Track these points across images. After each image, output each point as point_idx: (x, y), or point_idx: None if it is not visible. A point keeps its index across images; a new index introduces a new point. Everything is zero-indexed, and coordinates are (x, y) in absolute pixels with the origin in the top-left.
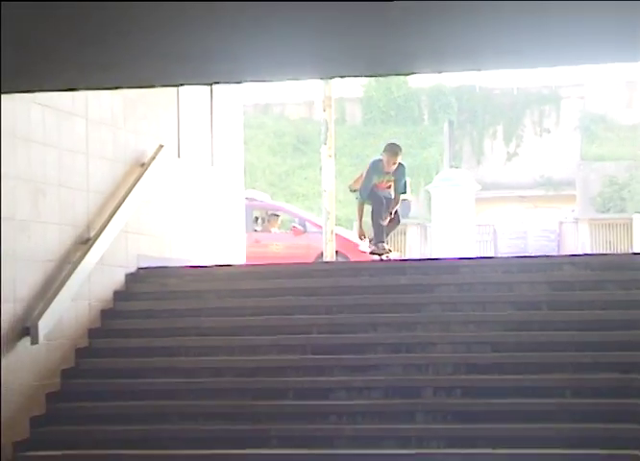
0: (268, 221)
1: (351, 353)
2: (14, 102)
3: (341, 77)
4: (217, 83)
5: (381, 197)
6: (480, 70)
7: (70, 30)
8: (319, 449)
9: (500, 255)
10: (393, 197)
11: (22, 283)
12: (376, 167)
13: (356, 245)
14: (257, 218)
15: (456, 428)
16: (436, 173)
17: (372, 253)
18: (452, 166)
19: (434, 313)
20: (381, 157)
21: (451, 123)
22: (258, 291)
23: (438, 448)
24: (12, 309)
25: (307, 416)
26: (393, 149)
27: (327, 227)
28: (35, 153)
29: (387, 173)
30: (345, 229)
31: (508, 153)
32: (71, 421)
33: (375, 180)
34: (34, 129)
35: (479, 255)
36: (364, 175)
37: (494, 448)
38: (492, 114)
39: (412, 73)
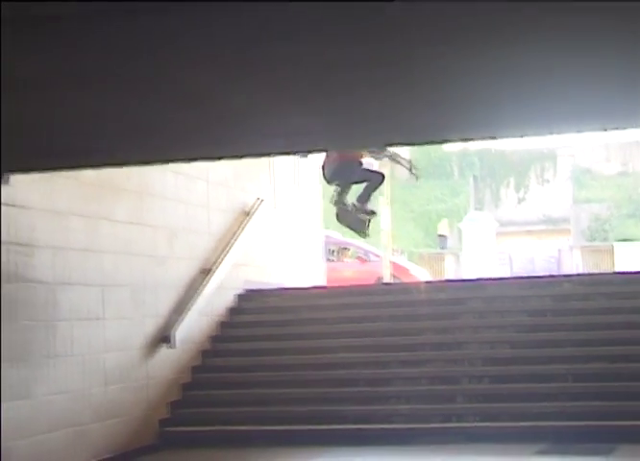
0: (341, 253)
1: (405, 351)
2: (155, 171)
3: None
4: (300, 153)
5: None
6: (497, 138)
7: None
8: (382, 425)
9: (514, 276)
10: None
11: (162, 303)
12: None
13: (408, 270)
14: (332, 251)
15: (486, 407)
16: (465, 214)
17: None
18: (476, 209)
19: (467, 320)
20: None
21: (475, 177)
22: (335, 306)
23: (473, 422)
24: (155, 322)
25: (374, 399)
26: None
27: (384, 256)
28: (169, 207)
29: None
30: (398, 258)
31: (518, 198)
32: (200, 404)
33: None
34: (168, 189)
35: (499, 276)
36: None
37: (515, 421)
38: (505, 169)
39: (444, 142)
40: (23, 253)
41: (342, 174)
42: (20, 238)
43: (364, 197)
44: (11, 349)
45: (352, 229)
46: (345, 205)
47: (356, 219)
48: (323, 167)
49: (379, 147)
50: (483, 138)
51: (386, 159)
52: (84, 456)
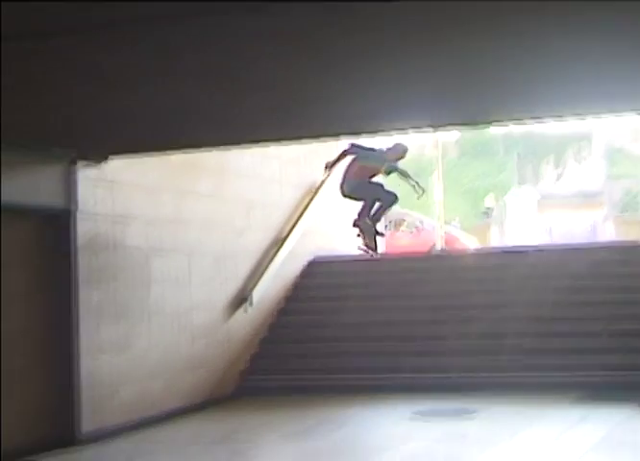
0: (397, 224)
1: (456, 310)
2: (233, 151)
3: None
4: (364, 134)
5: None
6: (540, 120)
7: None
8: (440, 374)
9: (555, 244)
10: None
11: (241, 269)
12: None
13: (458, 239)
14: (390, 222)
15: (529, 360)
16: (509, 189)
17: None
18: (519, 184)
19: (512, 283)
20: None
21: (518, 155)
22: (393, 270)
23: (517, 372)
24: (235, 286)
25: (429, 353)
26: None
27: (437, 226)
28: (246, 182)
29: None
30: (449, 227)
31: (557, 174)
32: (276, 357)
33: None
34: (245, 167)
35: (541, 244)
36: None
37: (555, 372)
38: (545, 149)
39: (493, 124)
40: (121, 223)
41: (359, 190)
42: (118, 211)
43: (377, 217)
44: (114, 307)
45: (367, 244)
46: (368, 219)
47: (372, 235)
48: (342, 184)
49: (398, 155)
50: (528, 120)
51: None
52: (176, 401)
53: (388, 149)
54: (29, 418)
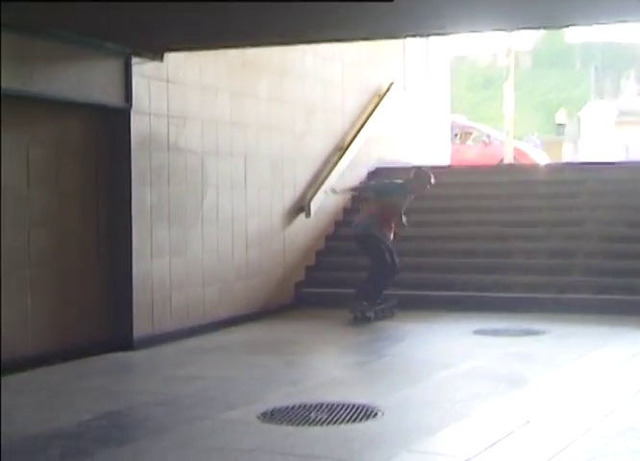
0: (464, 136)
1: (524, 227)
2: (295, 52)
3: (518, 29)
4: (430, 35)
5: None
6: (626, 22)
7: None
8: (504, 293)
9: (630, 160)
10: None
11: (299, 176)
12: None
13: (528, 154)
14: (456, 134)
15: (600, 281)
16: (584, 104)
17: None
18: (596, 99)
19: (584, 200)
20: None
21: (596, 68)
22: (459, 183)
23: (586, 293)
24: (292, 194)
25: (494, 270)
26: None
27: (506, 140)
28: (307, 85)
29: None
30: (525, 142)
31: (639, 89)
32: (332, 269)
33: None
34: (306, 68)
35: (615, 161)
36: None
37: (627, 295)
38: (626, 61)
39: (570, 25)
40: (176, 124)
41: (368, 238)
42: (174, 110)
43: (365, 291)
44: (168, 211)
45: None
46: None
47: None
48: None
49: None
50: (612, 23)
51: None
52: (228, 310)
53: (409, 180)
54: (85, 320)
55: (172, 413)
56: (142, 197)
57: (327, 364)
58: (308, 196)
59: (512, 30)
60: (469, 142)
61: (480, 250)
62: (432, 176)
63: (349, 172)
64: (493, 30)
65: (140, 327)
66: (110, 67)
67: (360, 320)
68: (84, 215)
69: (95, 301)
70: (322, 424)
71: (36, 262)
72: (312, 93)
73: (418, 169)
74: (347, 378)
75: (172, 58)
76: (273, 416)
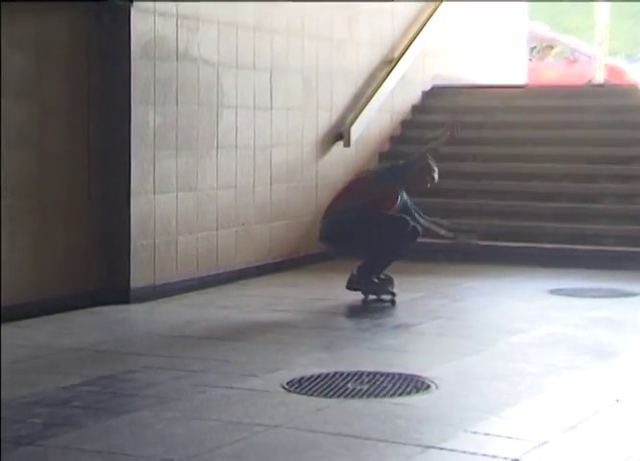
0: (545, 51)
1: (617, 164)
2: None
3: None
4: None
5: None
6: None
7: None
8: (589, 245)
9: None
10: None
11: (337, 96)
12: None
13: (625, 72)
14: (535, 48)
15: None
16: None
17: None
18: None
19: None
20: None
21: None
22: (536, 108)
23: None
24: (328, 117)
25: (578, 217)
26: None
27: (597, 55)
28: None
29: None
30: (613, 58)
31: None
32: None
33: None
34: None
35: None
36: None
37: None
38: None
39: None
40: (187, 26)
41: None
42: (184, 10)
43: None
44: (176, 135)
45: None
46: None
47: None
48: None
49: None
50: None
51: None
52: (248, 258)
53: (410, 168)
54: (71, 266)
55: (178, 379)
56: (144, 117)
57: (367, 326)
58: (348, 120)
59: None
60: (550, 59)
61: (561, 192)
62: (436, 171)
63: (399, 91)
64: None
65: (139, 277)
66: None
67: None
68: (71, 137)
69: (84, 243)
70: (361, 396)
71: (11, 193)
72: None
73: (423, 158)
74: (392, 343)
75: None
76: (301, 385)
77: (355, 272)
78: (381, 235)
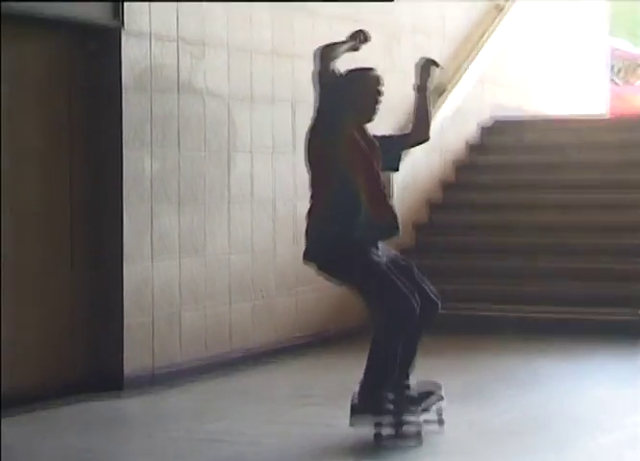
0: (630, 73)
1: None
2: None
3: None
4: None
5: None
6: None
7: None
8: None
9: None
10: None
11: (377, 132)
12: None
13: None
14: (618, 70)
15: None
16: None
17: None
18: None
19: None
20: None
21: None
22: (621, 144)
23: None
24: None
25: None
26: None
27: None
28: None
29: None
30: None
31: None
32: (425, 276)
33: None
34: None
35: None
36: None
37: None
38: None
39: None
40: (191, 52)
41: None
42: (187, 31)
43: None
44: (178, 186)
45: None
46: None
47: None
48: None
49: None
50: None
51: None
52: (267, 336)
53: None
54: (52, 351)
55: None
56: (138, 163)
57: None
58: None
59: None
60: (638, 82)
61: None
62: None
63: (452, 125)
64: None
65: (135, 362)
66: None
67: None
68: (49, 189)
69: (66, 320)
70: None
71: None
72: (396, 8)
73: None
74: (455, 442)
75: None
76: None
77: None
78: (382, 315)
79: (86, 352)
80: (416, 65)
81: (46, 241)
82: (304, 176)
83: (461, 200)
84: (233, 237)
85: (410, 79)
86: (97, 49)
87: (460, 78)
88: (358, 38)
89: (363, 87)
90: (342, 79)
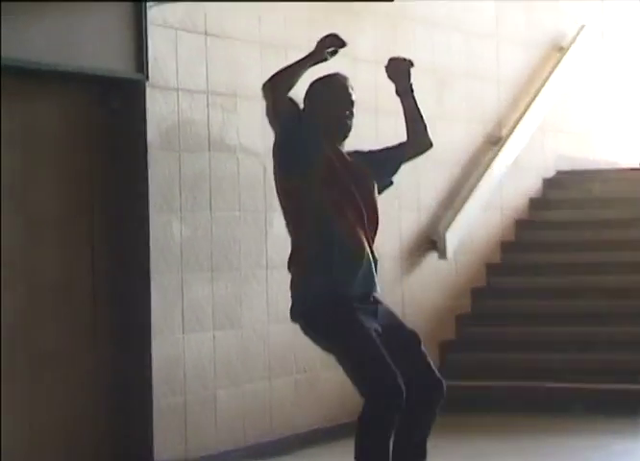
0: None
1: None
2: None
3: None
4: None
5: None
6: None
7: None
8: None
9: None
10: None
11: (426, 190)
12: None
13: None
14: None
15: None
16: None
17: None
18: None
19: None
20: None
21: None
22: None
23: None
24: (415, 219)
25: None
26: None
27: None
28: (438, 37)
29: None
30: None
31: None
32: (483, 347)
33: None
34: (435, 9)
35: None
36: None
37: None
38: None
39: None
40: (221, 106)
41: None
42: (217, 84)
43: None
44: (210, 252)
45: None
46: None
47: None
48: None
49: None
50: None
51: None
52: (314, 417)
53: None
54: (73, 438)
55: None
56: (166, 228)
57: None
58: (442, 222)
59: None
60: None
61: None
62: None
63: (510, 181)
64: None
65: (165, 448)
66: (109, 12)
67: None
68: (69, 258)
69: (88, 402)
70: None
71: None
72: (446, 50)
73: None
74: None
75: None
76: None
77: None
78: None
79: (112, 438)
80: (390, 70)
81: (66, 316)
82: None
83: (523, 261)
84: (271, 306)
85: (462, 126)
86: (120, 105)
87: (519, 126)
88: (323, 48)
89: (328, 94)
90: (305, 98)
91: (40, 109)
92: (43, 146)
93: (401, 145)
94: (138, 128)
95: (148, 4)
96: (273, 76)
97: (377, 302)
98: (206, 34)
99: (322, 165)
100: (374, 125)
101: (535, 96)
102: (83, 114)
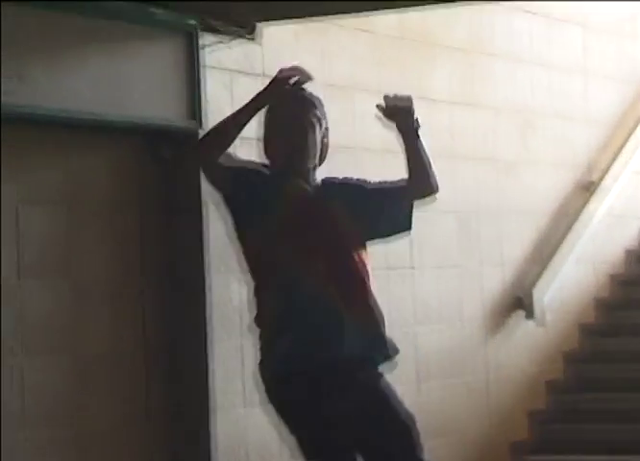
0: None
1: None
2: (493, 14)
3: None
4: None
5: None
6: None
7: None
8: None
9: None
10: None
11: (509, 243)
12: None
13: None
14: None
15: None
16: None
17: None
18: None
19: None
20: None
21: None
22: None
23: None
24: (499, 276)
25: None
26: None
27: None
28: (518, 73)
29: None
30: None
31: None
32: (579, 419)
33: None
34: (515, 43)
35: None
36: None
37: None
38: None
39: None
40: None
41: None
42: None
43: None
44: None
45: None
46: None
47: None
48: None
49: None
50: None
51: None
52: None
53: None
54: None
55: None
56: (225, 292)
57: None
58: (529, 279)
59: None
60: None
61: None
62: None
63: (606, 230)
64: None
65: None
66: (158, 54)
67: None
68: (117, 329)
69: None
70: None
71: (35, 421)
72: (529, 88)
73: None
74: None
75: (272, 35)
76: None
77: None
78: None
79: None
80: (387, 110)
81: (116, 389)
82: (423, 297)
83: (621, 321)
84: None
85: (549, 171)
86: (172, 157)
87: (612, 170)
88: (276, 87)
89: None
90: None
91: (86, 163)
92: (89, 204)
93: (401, 189)
94: (192, 181)
95: (202, 41)
96: (200, 140)
97: (367, 372)
98: (263, 75)
99: (284, 212)
100: (452, 172)
101: (629, 136)
102: (132, 167)
